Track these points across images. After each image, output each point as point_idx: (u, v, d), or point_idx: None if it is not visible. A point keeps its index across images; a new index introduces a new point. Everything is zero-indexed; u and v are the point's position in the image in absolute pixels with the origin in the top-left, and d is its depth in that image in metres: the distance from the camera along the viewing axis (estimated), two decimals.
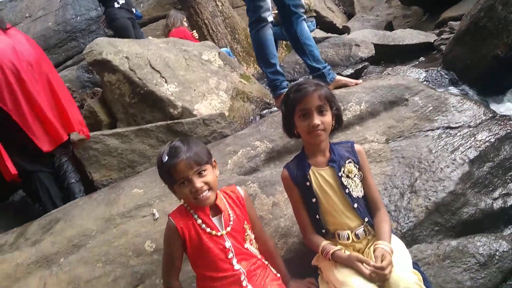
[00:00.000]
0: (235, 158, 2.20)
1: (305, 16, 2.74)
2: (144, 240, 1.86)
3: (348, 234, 1.54)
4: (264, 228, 1.72)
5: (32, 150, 2.52)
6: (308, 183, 1.56)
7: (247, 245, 1.53)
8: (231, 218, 1.51)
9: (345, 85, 2.61)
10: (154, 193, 2.06)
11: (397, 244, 1.53)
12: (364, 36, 4.06)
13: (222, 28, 5.50)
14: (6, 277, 1.82)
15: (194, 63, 3.26)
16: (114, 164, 2.68)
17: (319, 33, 5.59)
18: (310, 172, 1.57)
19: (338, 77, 2.69)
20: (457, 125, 2.19)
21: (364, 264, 1.39)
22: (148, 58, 3.12)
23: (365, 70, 3.50)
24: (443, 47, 3.52)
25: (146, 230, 1.90)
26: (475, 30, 2.67)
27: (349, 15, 8.72)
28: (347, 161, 1.58)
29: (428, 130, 2.18)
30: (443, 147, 2.07)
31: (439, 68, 2.97)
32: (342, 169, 1.56)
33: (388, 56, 3.85)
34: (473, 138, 2.09)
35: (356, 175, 1.58)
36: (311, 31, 3.43)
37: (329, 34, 5.24)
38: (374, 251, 1.43)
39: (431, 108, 2.28)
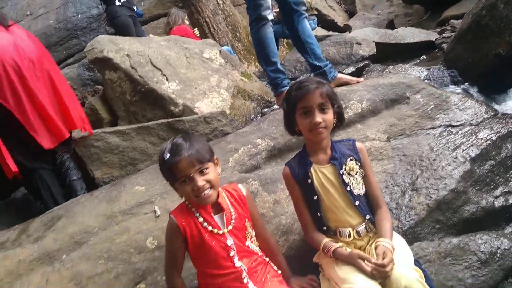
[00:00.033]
0: (236, 155, 2.20)
1: (306, 14, 2.73)
2: (145, 237, 1.86)
3: (349, 231, 1.54)
4: (265, 226, 1.72)
5: (33, 148, 2.52)
6: (309, 181, 1.56)
7: (248, 242, 1.53)
8: (233, 216, 1.51)
9: (346, 83, 2.61)
10: (156, 190, 2.07)
11: (399, 241, 1.53)
12: (365, 35, 4.05)
13: (223, 26, 5.50)
14: (8, 274, 1.82)
15: (195, 61, 3.25)
16: (116, 161, 2.68)
17: (320, 32, 5.59)
18: (312, 169, 1.57)
19: (340, 75, 2.69)
20: (458, 123, 2.19)
21: (365, 261, 1.39)
22: (149, 56, 3.12)
23: (367, 68, 3.49)
24: (444, 45, 3.51)
25: (147, 227, 1.90)
26: (477, 28, 2.67)
27: (351, 13, 8.70)
28: (348, 159, 1.58)
29: (429, 128, 2.18)
30: (444, 145, 2.08)
31: (440, 67, 2.97)
32: (344, 167, 1.56)
33: (389, 54, 3.84)
34: (474, 136, 2.10)
35: (357, 173, 1.58)
36: (312, 30, 3.43)
37: (330, 33, 5.24)
38: (375, 248, 1.44)
39: (432, 106, 2.28)
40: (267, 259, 1.58)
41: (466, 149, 2.04)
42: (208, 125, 2.63)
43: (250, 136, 2.30)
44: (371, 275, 1.36)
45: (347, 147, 1.62)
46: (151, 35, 4.78)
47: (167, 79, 2.99)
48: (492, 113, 2.25)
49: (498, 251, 1.69)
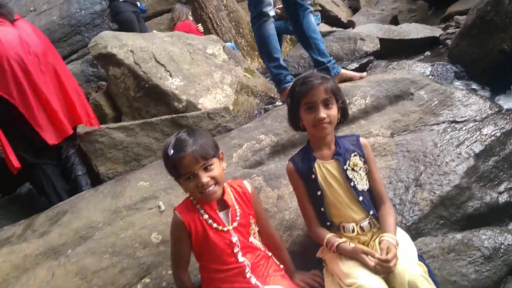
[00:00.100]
0: (240, 151, 2.21)
1: (311, 8, 2.72)
2: (150, 232, 1.87)
3: (353, 226, 1.54)
4: (269, 221, 1.73)
5: (37, 143, 2.53)
6: (313, 176, 1.56)
7: (251, 238, 1.53)
8: (238, 213, 1.50)
9: (350, 79, 2.61)
10: (160, 185, 2.07)
11: (402, 236, 1.54)
12: (369, 30, 4.04)
13: (226, 22, 5.48)
14: (15, 268, 1.84)
15: (198, 57, 3.26)
16: (120, 157, 2.70)
17: (324, 27, 5.57)
18: (315, 165, 1.57)
19: (343, 71, 2.69)
20: (462, 119, 2.19)
21: (369, 256, 1.39)
22: (152, 52, 3.12)
23: (370, 64, 3.49)
24: (448, 41, 3.50)
25: (152, 222, 1.91)
26: (481, 24, 2.66)
27: (354, 9, 8.66)
28: (352, 154, 1.58)
29: (433, 124, 2.18)
30: (448, 141, 2.07)
31: (444, 63, 2.96)
32: (347, 162, 1.56)
33: (393, 50, 3.83)
34: (478, 132, 2.09)
35: (361, 168, 1.58)
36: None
37: (334, 28, 5.23)
38: (379, 243, 1.44)
39: (436, 102, 2.27)
40: (270, 254, 1.58)
41: (470, 145, 2.04)
42: (212, 121, 2.64)
43: (254, 132, 2.30)
44: (374, 270, 1.36)
45: (351, 143, 1.62)
46: (154, 31, 4.77)
47: (170, 75, 2.99)
48: (496, 109, 2.24)
49: (502, 247, 1.70)
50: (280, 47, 3.52)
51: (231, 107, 2.88)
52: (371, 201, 1.58)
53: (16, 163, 2.37)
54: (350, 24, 6.91)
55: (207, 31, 5.27)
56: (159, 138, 2.67)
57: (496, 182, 1.97)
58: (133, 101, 3.06)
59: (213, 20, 5.38)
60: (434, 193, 1.88)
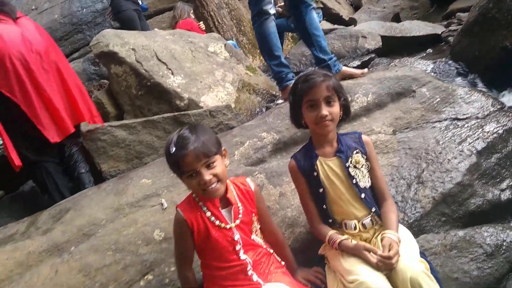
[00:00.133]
0: (242, 149, 2.21)
1: (314, 5, 2.72)
2: (153, 229, 1.88)
3: (355, 223, 1.55)
4: (271, 218, 1.73)
5: (39, 141, 2.53)
6: (315, 173, 1.57)
7: (253, 236, 1.54)
8: (240, 211, 1.50)
9: (351, 76, 2.61)
10: (162, 183, 2.08)
11: (405, 233, 1.54)
12: (371, 28, 4.02)
13: (227, 20, 5.48)
14: (18, 265, 1.85)
15: (200, 55, 3.26)
16: (122, 155, 2.70)
17: (326, 25, 5.56)
18: (318, 162, 1.57)
19: (344, 68, 2.69)
20: (464, 116, 2.18)
21: (371, 253, 1.40)
22: (154, 50, 3.12)
23: (372, 62, 3.48)
24: (450, 38, 3.50)
25: (154, 220, 1.91)
26: (483, 21, 2.65)
27: (356, 7, 8.66)
28: (354, 152, 1.58)
29: (435, 122, 2.18)
30: (450, 138, 2.07)
31: (446, 60, 2.95)
32: (350, 160, 1.57)
33: (395, 47, 3.82)
34: (480, 130, 2.09)
35: (363, 166, 1.58)
36: None
37: (336, 26, 5.22)
38: (381, 240, 1.44)
39: (438, 99, 2.27)
40: (271, 251, 1.58)
41: (472, 142, 2.04)
42: (214, 119, 2.64)
43: (256, 129, 2.30)
44: (376, 267, 1.36)
45: (353, 140, 1.62)
46: (156, 29, 4.78)
47: (172, 73, 2.99)
48: (498, 106, 2.23)
49: (504, 244, 1.70)
50: (282, 45, 3.52)
51: (233, 105, 2.88)
52: (373, 198, 1.58)
53: (17, 161, 2.38)
54: (352, 22, 6.90)
55: (208, 29, 5.27)
56: (161, 136, 2.67)
57: (498, 180, 1.97)
58: (135, 99, 3.06)
59: (215, 18, 5.37)
60: (436, 190, 1.88)
